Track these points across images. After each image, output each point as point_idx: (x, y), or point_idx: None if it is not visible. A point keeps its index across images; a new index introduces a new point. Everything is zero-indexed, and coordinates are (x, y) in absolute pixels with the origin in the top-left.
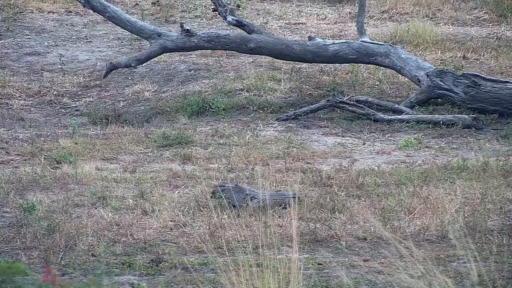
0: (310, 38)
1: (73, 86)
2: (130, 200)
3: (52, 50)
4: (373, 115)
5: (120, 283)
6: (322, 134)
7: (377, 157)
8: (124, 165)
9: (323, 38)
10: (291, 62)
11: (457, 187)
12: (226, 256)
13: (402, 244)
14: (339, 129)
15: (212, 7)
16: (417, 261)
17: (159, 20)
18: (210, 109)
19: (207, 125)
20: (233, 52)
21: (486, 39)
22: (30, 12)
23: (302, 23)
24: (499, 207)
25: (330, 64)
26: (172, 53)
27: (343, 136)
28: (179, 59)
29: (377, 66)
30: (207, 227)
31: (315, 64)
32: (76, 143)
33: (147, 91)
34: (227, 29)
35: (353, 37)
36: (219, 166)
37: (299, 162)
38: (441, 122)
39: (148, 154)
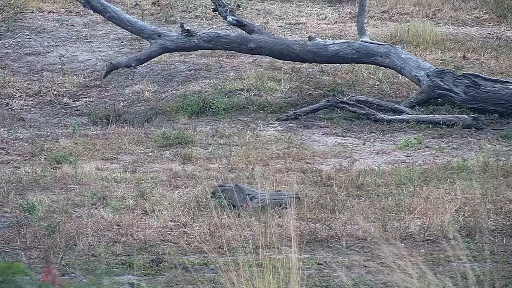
0: (310, 38)
1: (73, 86)
2: (130, 200)
3: (52, 50)
4: (373, 115)
5: (120, 283)
6: (322, 134)
7: (377, 157)
8: (124, 165)
9: (323, 38)
10: (291, 62)
11: (457, 187)
12: (226, 256)
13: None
14: (339, 129)
15: (212, 7)
16: (418, 261)
17: (159, 20)
18: (210, 109)
19: (207, 125)
20: (233, 52)
21: (486, 39)
22: (30, 12)
23: (302, 23)
24: (499, 207)
25: (330, 64)
26: (172, 53)
27: (343, 136)
28: (179, 59)
29: (377, 66)
30: (207, 227)
31: (315, 64)
32: (76, 143)
33: (147, 91)
34: (227, 29)
35: (353, 37)
36: (219, 166)
37: (299, 162)
38: (441, 122)
39: (148, 154)
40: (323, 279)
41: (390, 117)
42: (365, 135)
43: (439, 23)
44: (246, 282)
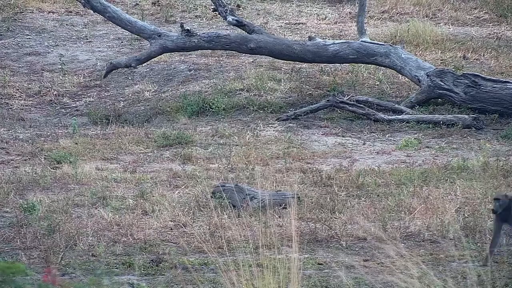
0: (310, 38)
1: (73, 86)
2: (130, 200)
3: (52, 50)
4: (373, 115)
5: (120, 283)
6: (322, 134)
7: (377, 157)
8: (124, 165)
9: (323, 38)
10: (291, 62)
11: (457, 187)
12: (226, 256)
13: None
14: (339, 129)
15: (212, 7)
16: (418, 260)
17: (159, 20)
18: (210, 109)
19: (207, 125)
20: (233, 52)
21: (486, 39)
22: (30, 12)
23: (302, 23)
24: None
25: (330, 64)
26: (172, 53)
27: (343, 136)
28: (179, 59)
29: (377, 66)
30: (207, 227)
31: (315, 64)
32: (76, 143)
33: (147, 91)
34: (227, 29)
35: (353, 37)
36: (219, 166)
37: (299, 162)
38: (441, 122)
39: (148, 154)
40: (323, 279)
41: (390, 117)
42: (365, 135)
43: (439, 23)
44: (246, 282)
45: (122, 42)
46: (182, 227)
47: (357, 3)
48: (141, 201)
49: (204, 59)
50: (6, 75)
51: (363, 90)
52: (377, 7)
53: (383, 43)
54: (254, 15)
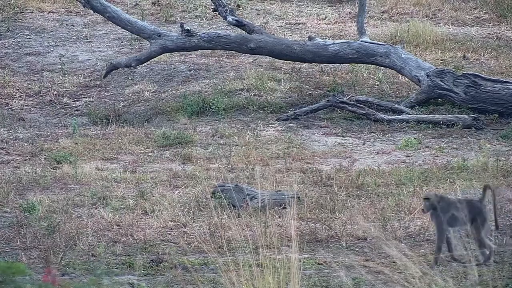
0: (310, 38)
1: (73, 86)
2: (130, 200)
3: (52, 50)
4: (373, 115)
5: (120, 283)
6: (322, 134)
7: (377, 157)
8: (124, 165)
9: (323, 38)
10: (291, 62)
11: (457, 187)
12: (226, 256)
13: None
14: (339, 129)
15: (212, 7)
16: (419, 260)
17: (159, 20)
18: (210, 109)
19: (207, 125)
20: (233, 52)
21: (486, 39)
22: (30, 12)
23: (302, 23)
24: (499, 207)
25: (330, 64)
26: (172, 53)
27: (343, 136)
28: (179, 59)
29: (377, 66)
30: (207, 227)
31: (315, 64)
32: (76, 143)
33: (147, 91)
34: (227, 29)
35: (353, 37)
36: (219, 166)
37: (299, 162)
38: (441, 122)
39: (148, 154)
40: (323, 279)
41: (390, 117)
42: (365, 135)
43: (439, 23)
44: (246, 282)
45: (122, 42)
46: (182, 227)
47: (357, 3)
48: (141, 201)
49: (204, 59)
50: (6, 75)
51: (363, 90)
52: (377, 7)
53: (383, 43)
54: (254, 15)
